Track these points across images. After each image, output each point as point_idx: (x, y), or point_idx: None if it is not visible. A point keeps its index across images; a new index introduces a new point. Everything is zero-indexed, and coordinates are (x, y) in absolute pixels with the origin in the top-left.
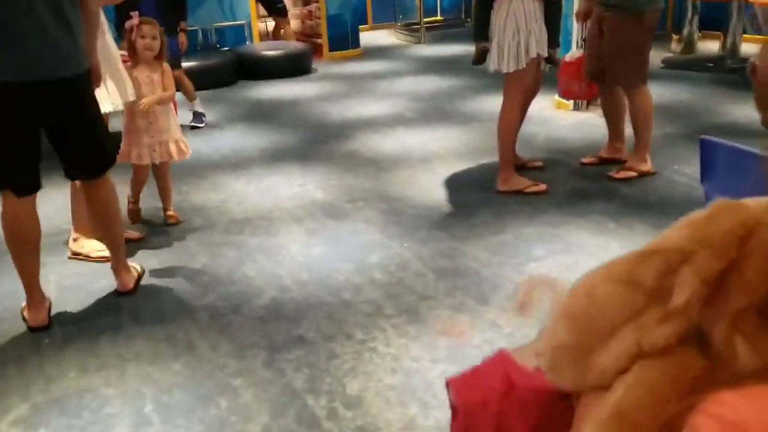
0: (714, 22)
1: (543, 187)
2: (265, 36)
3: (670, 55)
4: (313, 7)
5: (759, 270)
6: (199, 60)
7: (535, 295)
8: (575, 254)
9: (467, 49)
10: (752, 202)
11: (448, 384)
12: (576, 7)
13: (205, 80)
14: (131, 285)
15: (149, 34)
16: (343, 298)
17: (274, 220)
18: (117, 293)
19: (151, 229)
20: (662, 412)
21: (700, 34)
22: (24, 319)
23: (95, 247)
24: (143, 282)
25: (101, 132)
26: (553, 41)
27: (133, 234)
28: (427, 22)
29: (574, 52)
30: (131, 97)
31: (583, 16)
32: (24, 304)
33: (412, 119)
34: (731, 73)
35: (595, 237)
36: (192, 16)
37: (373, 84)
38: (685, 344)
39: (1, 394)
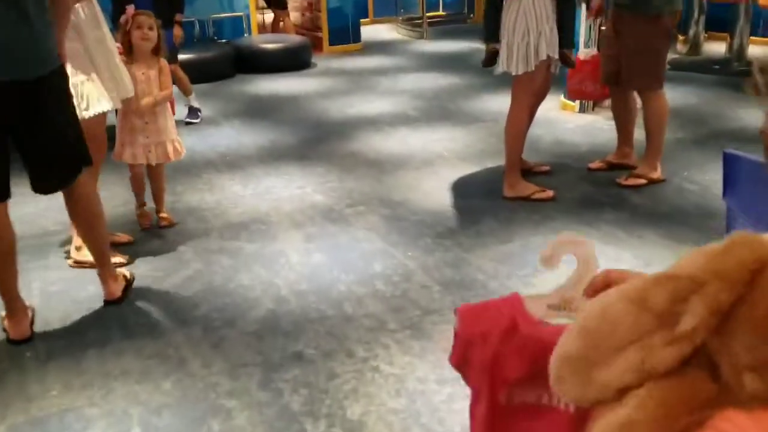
0: (720, 23)
1: (550, 193)
2: (263, 28)
3: (676, 56)
4: None
5: None
6: (196, 52)
7: (562, 250)
8: None
9: (470, 46)
10: None
11: (456, 312)
12: (584, 8)
13: (201, 73)
14: (118, 293)
15: (145, 24)
16: (344, 311)
17: (272, 224)
18: (105, 302)
19: (141, 232)
20: (671, 429)
21: (706, 35)
22: (4, 330)
23: None
24: (133, 289)
25: (71, 137)
26: (568, 42)
27: (122, 237)
28: (428, 17)
29: (589, 51)
30: (130, 94)
31: (595, 13)
32: (3, 313)
33: (415, 118)
34: (738, 76)
35: (606, 247)
36: (189, 7)
37: (375, 80)
38: (696, 368)
39: None
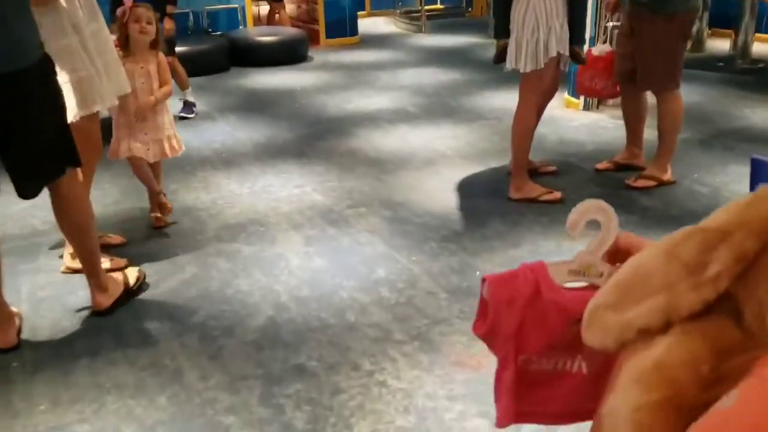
0: (725, 19)
1: (558, 195)
2: (258, 20)
3: None
4: None
5: None
6: (190, 45)
7: (587, 215)
8: None
9: (469, 40)
10: None
11: (484, 280)
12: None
13: (195, 66)
14: (106, 304)
15: (144, 17)
16: (347, 320)
17: (270, 225)
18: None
19: (134, 233)
20: (699, 372)
21: (709, 32)
22: None
23: None
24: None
25: (50, 134)
26: (578, 37)
27: (114, 239)
28: (426, 11)
29: (603, 47)
30: (127, 90)
31: (612, 8)
32: None
33: (416, 115)
34: (742, 74)
35: None
36: None
37: (374, 75)
38: (721, 315)
39: None
